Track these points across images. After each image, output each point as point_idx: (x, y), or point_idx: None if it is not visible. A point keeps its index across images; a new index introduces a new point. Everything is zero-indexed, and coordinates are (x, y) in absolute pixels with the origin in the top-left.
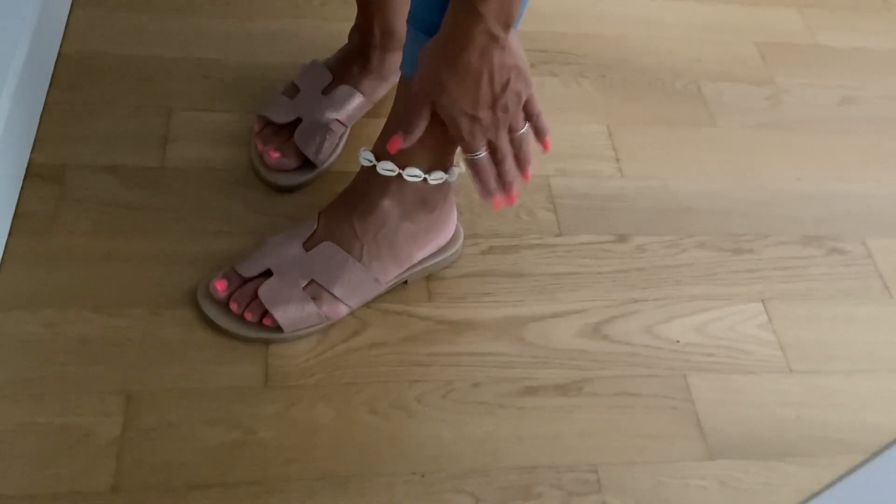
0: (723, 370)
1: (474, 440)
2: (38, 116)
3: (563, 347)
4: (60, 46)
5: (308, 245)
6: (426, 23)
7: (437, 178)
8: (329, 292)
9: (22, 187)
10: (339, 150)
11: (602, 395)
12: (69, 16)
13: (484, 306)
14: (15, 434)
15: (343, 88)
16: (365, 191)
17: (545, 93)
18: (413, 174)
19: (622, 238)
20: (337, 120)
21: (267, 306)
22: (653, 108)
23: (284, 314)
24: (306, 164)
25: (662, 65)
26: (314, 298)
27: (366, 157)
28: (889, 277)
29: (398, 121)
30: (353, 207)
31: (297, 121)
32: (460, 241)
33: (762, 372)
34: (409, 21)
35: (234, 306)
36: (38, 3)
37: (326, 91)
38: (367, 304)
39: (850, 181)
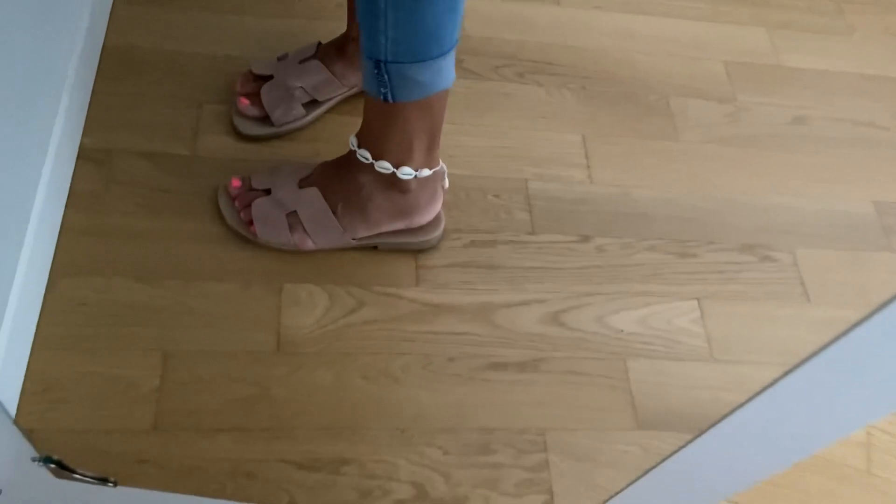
0: (656, 357)
1: (446, 405)
2: (87, 105)
3: (525, 331)
4: (105, 39)
5: (302, 184)
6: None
7: (405, 173)
8: (302, 227)
9: (74, 168)
10: (305, 119)
11: (554, 372)
12: (111, 11)
13: (462, 293)
14: (74, 380)
15: (314, 63)
16: (349, 163)
17: (530, 101)
18: (383, 167)
19: (585, 238)
20: (301, 87)
21: (252, 217)
22: (625, 120)
23: (263, 229)
24: (267, 119)
25: (637, 79)
26: (290, 226)
27: (352, 141)
28: (809, 284)
29: (367, 125)
30: (341, 171)
31: (271, 77)
32: (438, 230)
33: (689, 360)
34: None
35: (236, 203)
36: (90, 1)
37: (303, 62)
38: (363, 286)
39: (789, 195)
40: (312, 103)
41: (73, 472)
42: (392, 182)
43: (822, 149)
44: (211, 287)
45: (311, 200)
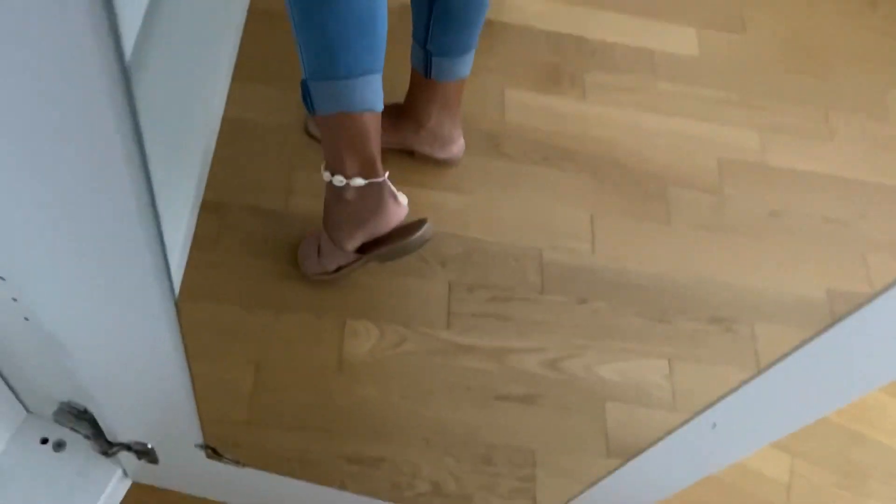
0: (629, 402)
1: (462, 423)
2: (210, 165)
3: (528, 371)
4: (224, 111)
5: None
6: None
7: (338, 181)
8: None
9: (197, 216)
10: None
11: (547, 406)
12: (229, 88)
13: (482, 337)
14: None
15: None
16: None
17: (551, 183)
18: (324, 176)
19: (583, 301)
20: None
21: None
22: (628, 203)
23: (303, 264)
24: None
25: (641, 168)
26: (319, 253)
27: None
28: (761, 353)
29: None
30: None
31: None
32: (414, 236)
33: (656, 407)
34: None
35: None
36: (221, 87)
37: None
38: (406, 325)
39: (756, 278)
40: None
41: (222, 455)
42: (337, 192)
43: (791, 240)
44: (293, 316)
45: (321, 226)
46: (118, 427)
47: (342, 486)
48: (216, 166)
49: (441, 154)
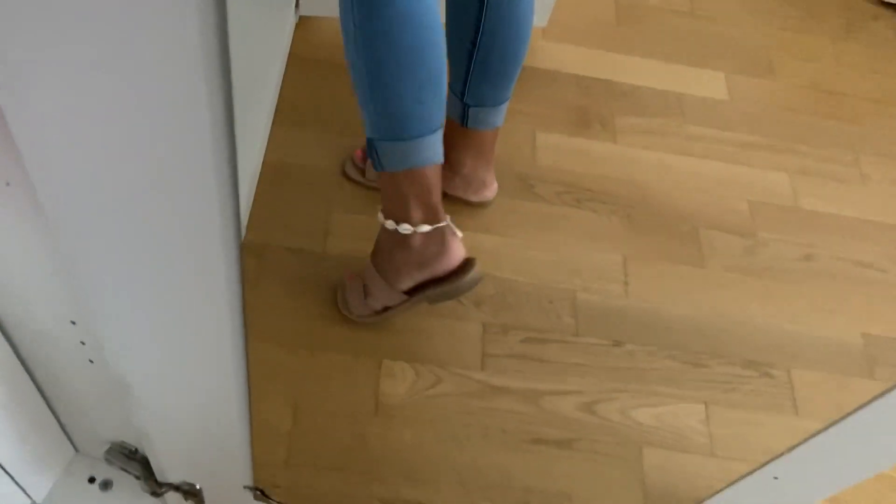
0: (667, 447)
1: (498, 466)
2: (251, 207)
3: (564, 415)
4: (265, 155)
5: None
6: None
7: (405, 229)
8: (365, 292)
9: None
10: None
11: (583, 451)
12: (270, 133)
13: (517, 379)
14: None
15: None
16: (380, 230)
17: (584, 224)
18: (389, 224)
19: (618, 343)
20: None
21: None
22: (660, 245)
23: (351, 306)
24: (363, 173)
25: (674, 210)
26: (365, 296)
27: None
28: (799, 400)
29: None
30: (378, 238)
31: None
32: (468, 276)
33: (693, 453)
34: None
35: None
36: (262, 131)
37: None
38: (442, 366)
39: (791, 322)
40: None
41: (270, 498)
42: (401, 238)
43: (825, 284)
44: (330, 357)
45: (367, 267)
46: (169, 468)
47: None
48: (257, 208)
49: (475, 198)
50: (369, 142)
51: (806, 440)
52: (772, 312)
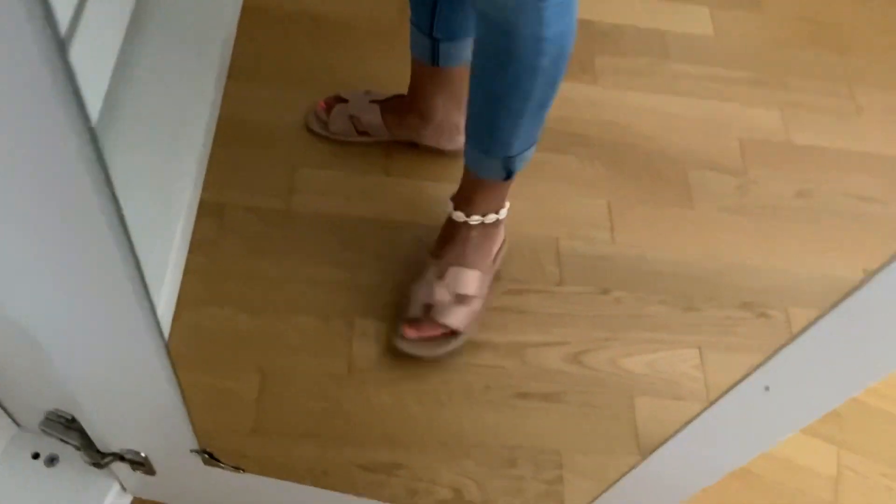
0: (660, 395)
1: (481, 425)
2: (206, 168)
3: (549, 368)
4: (220, 111)
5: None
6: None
7: (501, 215)
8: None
9: (196, 219)
10: (350, 138)
11: (571, 403)
12: (225, 86)
13: (499, 333)
14: (190, 389)
15: (376, 107)
16: (454, 231)
17: (565, 171)
18: (489, 219)
19: (605, 291)
20: (358, 118)
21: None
22: (647, 189)
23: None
24: (327, 126)
25: (661, 152)
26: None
27: (457, 215)
28: None
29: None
30: (452, 243)
31: (347, 101)
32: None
33: (688, 400)
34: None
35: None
36: (213, 81)
37: (372, 102)
38: None
39: (787, 261)
40: (363, 133)
41: (219, 461)
42: (489, 226)
43: (821, 220)
44: (299, 319)
45: (455, 275)
46: (108, 435)
47: (357, 494)
48: (213, 166)
49: (449, 146)
50: (511, 158)
51: (797, 337)
52: (766, 252)
